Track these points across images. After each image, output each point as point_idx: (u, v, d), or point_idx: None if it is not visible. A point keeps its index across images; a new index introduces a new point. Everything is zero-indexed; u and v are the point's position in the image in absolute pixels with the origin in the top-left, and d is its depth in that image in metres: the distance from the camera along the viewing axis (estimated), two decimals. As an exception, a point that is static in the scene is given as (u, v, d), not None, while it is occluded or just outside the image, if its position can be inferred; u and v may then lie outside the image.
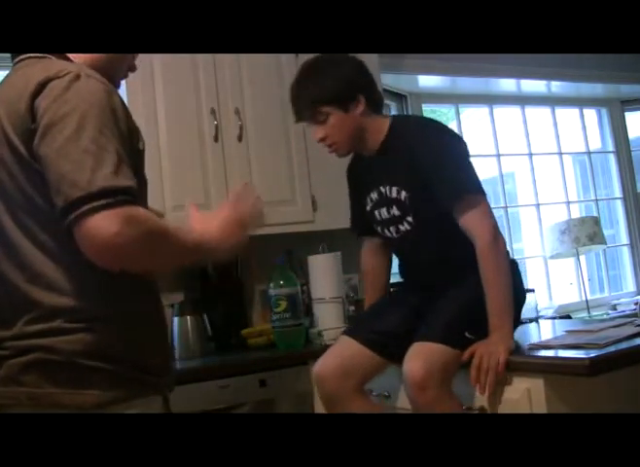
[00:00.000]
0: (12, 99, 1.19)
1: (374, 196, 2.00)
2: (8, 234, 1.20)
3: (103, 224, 1.07)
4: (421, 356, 1.74)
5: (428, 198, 1.86)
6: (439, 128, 1.99)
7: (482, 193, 1.87)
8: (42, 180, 1.14)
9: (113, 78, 1.33)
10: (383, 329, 1.96)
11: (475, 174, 1.90)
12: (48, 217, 1.16)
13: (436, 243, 1.94)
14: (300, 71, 1.96)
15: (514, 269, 1.91)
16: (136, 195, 1.13)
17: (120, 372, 1.18)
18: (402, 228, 1.96)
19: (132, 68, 1.43)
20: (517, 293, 1.90)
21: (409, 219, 1.93)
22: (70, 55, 1.29)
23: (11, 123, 1.17)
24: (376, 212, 2.01)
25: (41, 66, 1.22)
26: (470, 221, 1.82)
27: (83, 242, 1.09)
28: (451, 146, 1.91)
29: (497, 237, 1.82)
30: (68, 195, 1.08)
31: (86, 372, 1.15)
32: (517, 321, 1.97)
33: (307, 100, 1.90)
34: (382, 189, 1.97)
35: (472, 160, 1.94)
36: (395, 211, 1.95)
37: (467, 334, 1.78)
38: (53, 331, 1.16)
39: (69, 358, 1.15)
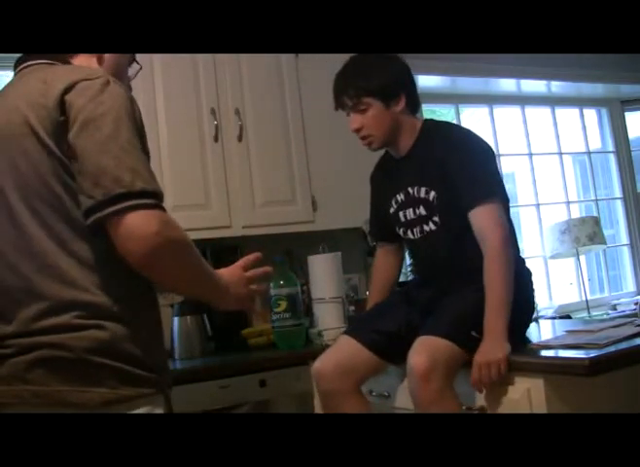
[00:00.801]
0: (34, 96, 1.20)
1: (401, 197, 2.04)
2: (21, 224, 1.20)
3: (143, 222, 1.11)
4: (426, 349, 1.75)
5: (453, 199, 1.90)
6: (468, 133, 2.04)
7: (505, 199, 1.92)
8: (66, 172, 1.16)
9: None
10: (385, 329, 1.97)
11: (499, 180, 1.95)
12: (68, 209, 1.17)
13: (455, 244, 1.96)
14: (348, 62, 2.01)
15: (527, 279, 1.97)
16: (163, 200, 1.18)
17: (126, 369, 1.18)
18: (426, 228, 1.99)
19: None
20: (525, 303, 1.94)
21: (435, 219, 1.97)
22: (74, 63, 1.31)
23: (37, 116, 1.18)
24: (401, 213, 2.05)
25: (62, 68, 1.26)
26: (484, 224, 1.85)
27: (120, 236, 1.12)
28: (479, 150, 1.96)
29: (507, 245, 1.83)
30: (110, 189, 1.11)
31: (95, 369, 1.15)
32: (524, 329, 1.98)
33: (353, 88, 1.95)
34: (410, 189, 2.00)
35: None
36: (422, 211, 1.98)
37: (473, 332, 1.78)
38: (62, 327, 1.15)
39: (79, 355, 1.15)
